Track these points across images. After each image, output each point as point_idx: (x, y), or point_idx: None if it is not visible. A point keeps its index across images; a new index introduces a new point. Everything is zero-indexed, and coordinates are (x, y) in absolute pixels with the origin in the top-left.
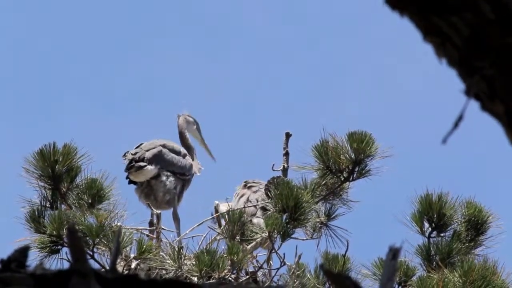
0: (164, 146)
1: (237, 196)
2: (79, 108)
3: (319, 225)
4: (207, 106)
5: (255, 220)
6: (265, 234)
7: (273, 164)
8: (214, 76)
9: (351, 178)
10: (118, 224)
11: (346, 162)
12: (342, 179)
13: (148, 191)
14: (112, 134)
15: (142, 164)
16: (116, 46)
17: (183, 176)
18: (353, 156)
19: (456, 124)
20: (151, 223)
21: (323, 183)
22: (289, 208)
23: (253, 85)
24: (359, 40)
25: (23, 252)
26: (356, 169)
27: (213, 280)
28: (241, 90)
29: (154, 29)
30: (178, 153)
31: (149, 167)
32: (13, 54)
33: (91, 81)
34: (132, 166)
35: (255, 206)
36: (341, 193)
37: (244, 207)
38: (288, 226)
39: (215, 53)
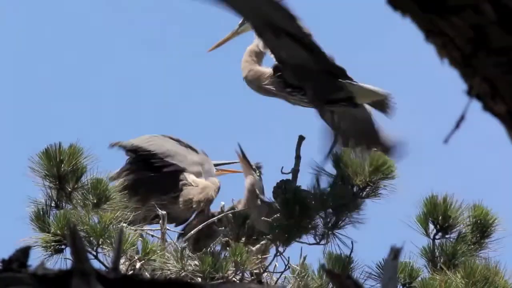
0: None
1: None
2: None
3: (326, 232)
4: (211, 105)
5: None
6: (270, 238)
7: (282, 167)
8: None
9: (362, 195)
10: (123, 224)
11: (360, 179)
12: (353, 192)
13: None
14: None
15: None
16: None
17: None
18: (367, 172)
19: (457, 125)
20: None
21: (333, 191)
22: (295, 213)
23: None
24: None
25: (24, 252)
26: (368, 188)
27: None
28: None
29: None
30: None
31: None
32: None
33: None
34: None
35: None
36: (350, 205)
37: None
38: (294, 231)
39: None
